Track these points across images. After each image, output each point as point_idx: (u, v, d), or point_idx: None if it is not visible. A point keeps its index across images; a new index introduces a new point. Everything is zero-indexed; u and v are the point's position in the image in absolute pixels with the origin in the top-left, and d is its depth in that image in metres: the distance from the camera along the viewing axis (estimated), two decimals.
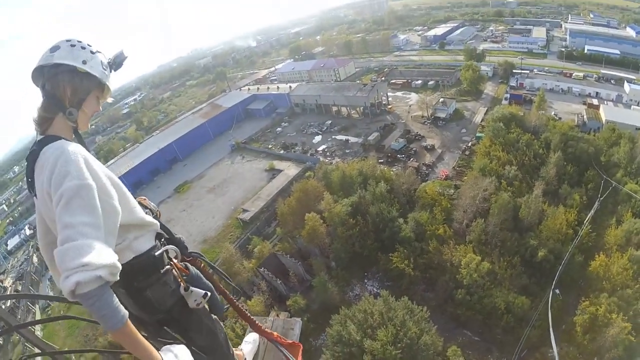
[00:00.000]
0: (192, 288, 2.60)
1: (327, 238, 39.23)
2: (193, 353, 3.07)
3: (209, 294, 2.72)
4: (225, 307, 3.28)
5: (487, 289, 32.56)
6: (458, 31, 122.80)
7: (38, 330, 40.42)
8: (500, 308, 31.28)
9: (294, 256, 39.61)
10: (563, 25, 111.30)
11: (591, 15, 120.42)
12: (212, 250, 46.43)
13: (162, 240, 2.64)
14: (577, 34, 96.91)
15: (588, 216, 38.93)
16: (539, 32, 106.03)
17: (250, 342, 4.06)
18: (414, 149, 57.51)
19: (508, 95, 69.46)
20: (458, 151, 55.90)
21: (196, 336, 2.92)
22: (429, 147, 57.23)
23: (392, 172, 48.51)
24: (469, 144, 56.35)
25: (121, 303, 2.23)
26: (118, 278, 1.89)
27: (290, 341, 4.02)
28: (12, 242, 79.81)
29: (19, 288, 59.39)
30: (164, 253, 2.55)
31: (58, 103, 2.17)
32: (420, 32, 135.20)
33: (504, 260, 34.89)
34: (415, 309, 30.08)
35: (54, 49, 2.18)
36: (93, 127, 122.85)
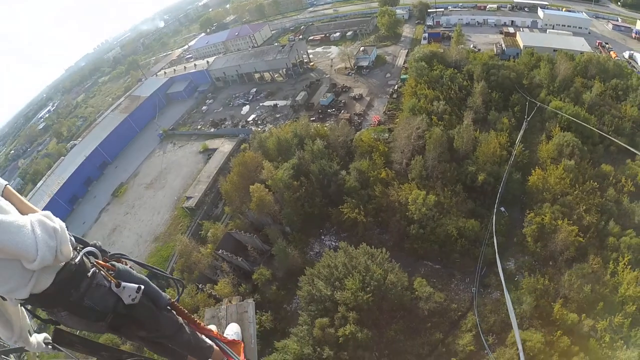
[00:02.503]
0: (123, 283, 2.48)
1: (276, 205, 39.15)
2: (156, 344, 3.24)
3: (142, 287, 2.59)
4: (168, 298, 3.00)
5: (437, 220, 34.25)
6: None
7: None
8: (453, 234, 33.19)
9: (248, 230, 39.43)
10: None
11: None
12: (167, 246, 45.45)
13: (78, 248, 2.44)
14: None
15: (518, 136, 41.18)
16: None
17: (231, 334, 4.03)
18: (343, 101, 57.85)
19: (426, 35, 70.54)
20: (386, 96, 56.82)
21: (152, 325, 2.84)
22: (357, 96, 57.68)
23: (325, 128, 48.66)
24: (396, 87, 57.37)
25: (67, 327, 2.48)
26: None
27: (230, 339, 4.03)
28: None
29: None
30: (84, 257, 2.37)
31: None
32: None
33: (447, 190, 36.59)
34: (375, 252, 31.14)
35: None
36: (12, 151, 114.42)
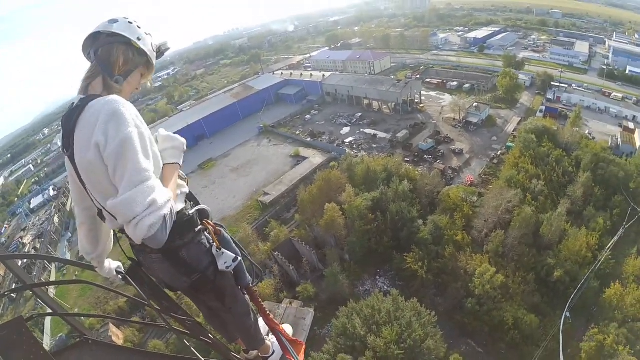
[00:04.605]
0: (223, 249, 2.64)
1: (344, 230, 39.34)
2: (217, 317, 3.33)
3: (239, 258, 2.76)
4: (249, 280, 3.19)
5: (497, 302, 32.20)
6: (499, 36, 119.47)
7: (52, 289, 41.83)
8: (508, 323, 30.92)
9: (309, 244, 39.96)
10: (607, 43, 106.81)
11: (636, 36, 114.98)
12: (230, 230, 45.92)
13: (191, 204, 2.68)
14: (621, 53, 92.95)
15: (611, 242, 37.83)
16: (582, 47, 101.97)
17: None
18: (442, 151, 56.79)
19: (543, 108, 67.09)
20: (486, 158, 54.95)
21: (227, 299, 2.97)
22: (457, 150, 56.45)
23: (417, 172, 48.09)
24: (498, 153, 55.32)
25: (155, 270, 2.63)
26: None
27: (294, 338, 3.99)
28: (36, 201, 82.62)
29: (38, 246, 61.41)
30: (196, 213, 2.58)
31: (108, 68, 2.26)
32: (460, 33, 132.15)
33: (518, 275, 34.42)
34: (423, 312, 30.08)
35: (113, 21, 2.32)
36: None
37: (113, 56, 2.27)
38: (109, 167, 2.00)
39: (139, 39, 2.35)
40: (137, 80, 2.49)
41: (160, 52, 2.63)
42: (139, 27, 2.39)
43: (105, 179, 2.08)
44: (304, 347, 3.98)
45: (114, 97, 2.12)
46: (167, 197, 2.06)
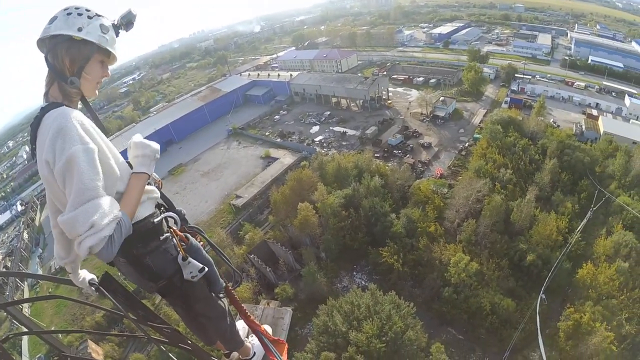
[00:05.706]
0: (190, 259, 2.58)
1: (318, 228, 39.26)
2: (194, 321, 3.27)
3: (207, 268, 2.70)
4: (223, 285, 3.20)
5: (474, 289, 32.79)
6: (464, 31, 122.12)
7: (26, 307, 40.33)
8: (486, 309, 31.56)
9: (284, 245, 39.70)
10: (569, 34, 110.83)
11: (598, 27, 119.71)
12: None
13: (162, 209, 2.68)
14: (582, 43, 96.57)
15: (580, 225, 39.00)
16: (545, 39, 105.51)
17: (239, 329, 3.99)
18: (411, 145, 57.46)
19: (508, 99, 69.00)
20: (454, 151, 55.92)
21: (198, 305, 2.96)
22: (426, 144, 57.21)
23: (387, 167, 48.57)
24: (466, 145, 56.39)
25: (122, 273, 2.57)
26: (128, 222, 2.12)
27: (276, 337, 3.98)
28: (3, 218, 78.80)
29: (8, 264, 58.85)
30: (164, 220, 2.56)
31: (59, 74, 2.16)
32: (425, 29, 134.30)
33: (492, 262, 35.15)
34: (402, 304, 30.32)
35: (52, 20, 2.17)
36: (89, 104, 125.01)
37: (58, 59, 2.16)
38: (58, 184, 2.00)
39: (79, 29, 2.16)
40: (97, 70, 2.34)
41: (125, 24, 2.45)
42: (80, 14, 2.20)
43: (61, 192, 2.05)
44: (286, 346, 3.98)
45: (61, 111, 2.06)
46: (110, 218, 1.97)
